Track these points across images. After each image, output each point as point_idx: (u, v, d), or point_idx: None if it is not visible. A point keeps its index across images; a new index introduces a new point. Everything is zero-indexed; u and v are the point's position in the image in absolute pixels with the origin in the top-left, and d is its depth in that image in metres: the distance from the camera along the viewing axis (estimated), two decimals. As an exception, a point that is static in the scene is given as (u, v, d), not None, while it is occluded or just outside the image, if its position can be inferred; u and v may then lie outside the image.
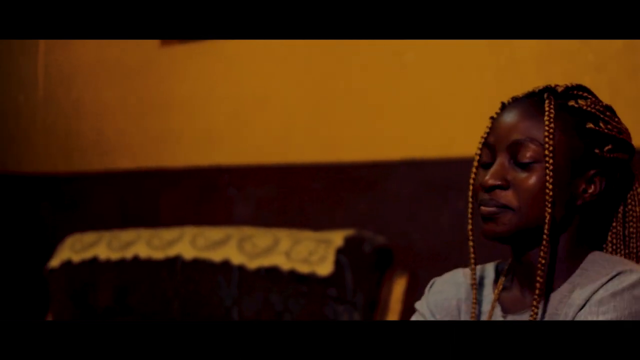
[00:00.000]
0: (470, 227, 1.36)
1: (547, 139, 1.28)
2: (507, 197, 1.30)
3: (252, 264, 2.87)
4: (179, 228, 3.16)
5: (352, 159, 3.02)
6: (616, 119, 1.36)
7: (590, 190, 1.32)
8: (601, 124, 1.33)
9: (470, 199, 1.35)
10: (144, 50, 3.59)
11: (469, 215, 1.36)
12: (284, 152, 3.22)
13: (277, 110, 3.25)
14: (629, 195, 1.39)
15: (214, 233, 3.02)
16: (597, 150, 1.31)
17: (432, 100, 2.86)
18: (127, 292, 3.11)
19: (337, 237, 2.79)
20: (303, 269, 2.77)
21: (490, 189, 1.31)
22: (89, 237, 3.31)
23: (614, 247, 1.40)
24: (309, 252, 2.79)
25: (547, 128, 1.28)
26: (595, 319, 1.23)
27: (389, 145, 2.94)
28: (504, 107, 1.37)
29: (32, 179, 3.97)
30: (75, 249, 3.29)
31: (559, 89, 1.35)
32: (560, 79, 2.64)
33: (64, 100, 3.92)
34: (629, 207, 1.39)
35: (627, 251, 1.39)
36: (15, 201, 3.99)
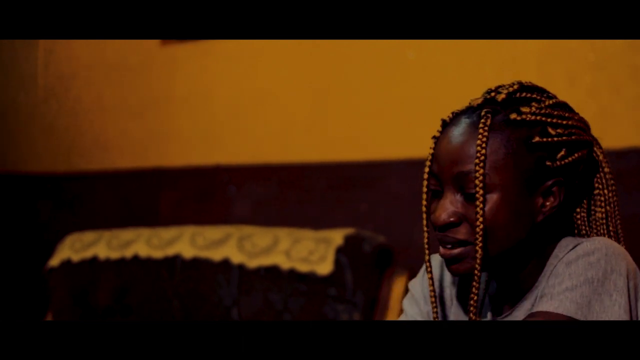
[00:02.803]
0: (425, 240, 1.33)
1: (477, 167, 1.21)
2: (463, 232, 1.25)
3: (252, 263, 2.86)
4: (178, 227, 3.16)
5: (352, 159, 3.02)
6: (567, 116, 1.29)
7: (549, 203, 1.26)
8: (549, 130, 1.25)
9: (425, 215, 1.31)
10: (144, 50, 3.59)
11: (425, 229, 1.32)
12: (284, 151, 3.22)
13: (276, 110, 3.25)
14: (595, 180, 1.35)
15: (214, 232, 3.02)
16: (548, 163, 1.25)
17: (432, 99, 2.86)
18: (126, 292, 3.11)
19: (337, 237, 2.79)
20: (303, 268, 2.77)
21: (443, 228, 1.26)
22: (88, 236, 3.30)
23: (583, 233, 1.36)
24: (308, 252, 2.79)
25: (478, 155, 1.21)
26: (552, 291, 1.20)
27: (389, 145, 2.94)
28: (444, 125, 1.31)
29: (32, 178, 3.97)
30: (74, 248, 3.29)
31: (500, 97, 1.27)
32: (561, 78, 2.66)
33: (63, 100, 3.92)
34: (597, 191, 1.35)
35: (596, 234, 1.35)
36: (14, 200, 3.99)
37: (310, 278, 2.75)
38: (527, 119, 1.24)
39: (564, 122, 1.27)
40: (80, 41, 3.75)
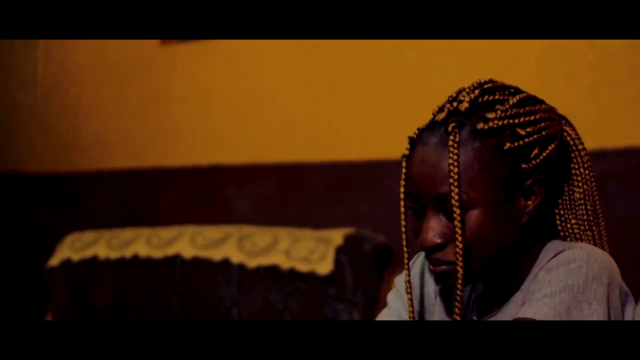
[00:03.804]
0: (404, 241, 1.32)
1: (452, 187, 1.18)
2: (450, 253, 1.22)
3: (252, 263, 2.86)
4: (178, 227, 3.16)
5: (352, 158, 3.02)
6: (533, 110, 1.25)
7: (531, 203, 1.24)
8: (519, 131, 1.22)
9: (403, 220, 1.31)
10: (143, 50, 3.59)
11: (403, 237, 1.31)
12: (284, 150, 3.22)
13: (276, 109, 3.25)
14: (570, 161, 1.32)
15: (214, 232, 3.02)
16: (524, 165, 1.22)
17: (432, 99, 2.86)
18: (126, 291, 3.11)
19: (337, 236, 2.79)
20: (303, 267, 2.77)
21: (431, 250, 1.24)
22: (88, 236, 3.30)
23: (563, 217, 1.32)
24: (308, 251, 2.79)
25: (452, 175, 1.18)
26: (531, 297, 1.18)
27: (389, 145, 2.94)
28: (412, 143, 1.29)
29: (32, 178, 3.97)
30: (74, 248, 3.29)
31: (463, 107, 1.23)
32: (561, 78, 2.66)
33: (63, 100, 3.92)
34: (574, 171, 1.32)
35: (575, 216, 1.32)
36: (14, 200, 3.99)
37: (310, 278, 2.75)
38: (495, 125, 1.21)
39: (532, 119, 1.24)
40: (80, 41, 3.75)
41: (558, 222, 1.32)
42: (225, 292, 2.89)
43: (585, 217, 1.31)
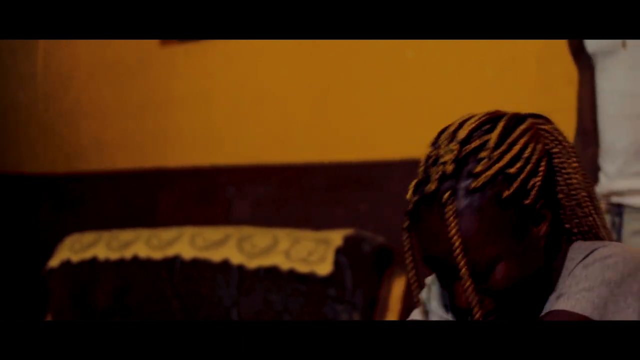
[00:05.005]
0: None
1: (458, 259, 1.17)
2: (488, 304, 1.23)
3: (252, 264, 2.86)
4: (178, 228, 3.16)
5: (352, 159, 3.02)
6: (516, 139, 1.23)
7: (544, 225, 1.24)
8: (510, 172, 1.20)
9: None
10: (143, 50, 3.59)
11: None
12: (283, 151, 3.22)
13: (276, 110, 3.25)
14: (556, 157, 1.29)
15: (213, 233, 3.02)
16: (526, 202, 1.21)
17: (432, 99, 2.86)
18: (126, 292, 3.11)
19: (337, 237, 2.79)
20: (302, 268, 2.76)
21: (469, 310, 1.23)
22: (88, 237, 3.30)
23: (567, 212, 1.31)
24: (308, 252, 2.79)
25: (456, 247, 1.17)
26: (569, 290, 1.20)
27: (389, 145, 2.94)
28: (412, 218, 1.27)
29: (31, 178, 3.97)
30: (74, 249, 3.29)
31: (449, 170, 1.20)
32: (561, 78, 2.65)
33: (63, 100, 3.92)
34: (563, 165, 1.29)
35: (579, 206, 1.31)
36: (14, 201, 3.98)
37: (309, 278, 2.74)
38: (486, 179, 1.19)
39: (518, 151, 1.22)
40: (79, 41, 3.75)
41: (564, 218, 1.32)
42: (225, 293, 2.89)
43: (585, 205, 1.31)
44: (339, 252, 2.74)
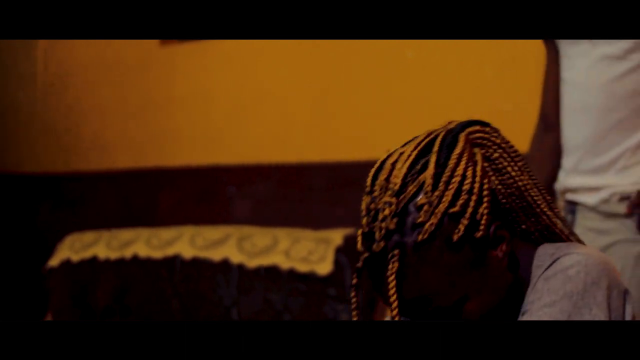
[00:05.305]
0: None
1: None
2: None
3: (252, 263, 2.86)
4: (178, 227, 3.16)
5: (352, 159, 3.02)
6: (452, 171, 1.16)
7: (504, 246, 1.19)
8: (454, 211, 1.15)
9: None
10: (143, 50, 3.59)
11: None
12: (284, 151, 3.22)
13: (276, 110, 3.25)
14: (497, 163, 1.22)
15: (213, 232, 3.02)
16: (478, 234, 1.16)
17: (432, 99, 2.86)
18: (126, 292, 3.11)
19: (337, 236, 2.79)
20: (302, 268, 2.76)
21: None
22: (88, 236, 3.30)
23: (519, 216, 1.26)
24: (308, 251, 2.79)
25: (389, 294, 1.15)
26: (531, 307, 1.17)
27: (388, 145, 2.93)
28: (361, 274, 1.24)
29: (31, 178, 3.97)
30: (74, 248, 3.29)
31: (392, 226, 1.14)
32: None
33: (63, 100, 3.92)
34: (506, 169, 1.22)
35: (530, 209, 1.26)
36: (14, 201, 3.99)
37: (309, 278, 2.75)
38: (432, 227, 1.14)
39: (456, 186, 1.16)
40: (79, 41, 3.75)
41: (519, 220, 1.27)
42: (225, 293, 2.89)
43: (535, 204, 1.26)
44: (339, 251, 2.74)
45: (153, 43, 3.55)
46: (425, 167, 1.17)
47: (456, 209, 1.15)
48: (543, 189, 1.27)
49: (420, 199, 1.15)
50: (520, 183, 1.23)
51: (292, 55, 3.18)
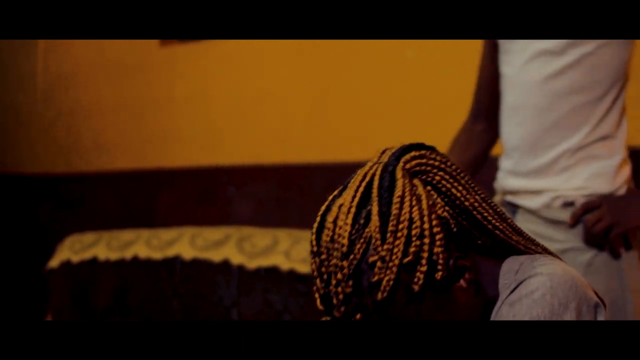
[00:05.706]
0: None
1: None
2: None
3: (252, 264, 2.86)
4: (178, 228, 3.16)
5: (352, 159, 3.02)
6: (400, 217, 1.08)
7: (467, 276, 1.14)
8: (409, 261, 1.08)
9: None
10: (143, 50, 3.59)
11: None
12: (284, 151, 3.22)
13: (276, 110, 3.25)
14: (442, 186, 1.16)
15: (213, 233, 3.02)
16: (438, 275, 1.10)
17: (432, 99, 2.86)
18: (126, 292, 3.11)
19: (337, 237, 2.79)
20: (302, 268, 2.76)
21: None
22: (88, 237, 3.30)
23: (477, 233, 1.20)
24: (308, 252, 2.79)
25: None
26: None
27: (388, 144, 2.94)
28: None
29: (32, 179, 3.97)
30: (74, 249, 3.29)
31: (348, 290, 1.08)
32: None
33: (63, 100, 3.92)
34: (452, 190, 1.16)
35: (486, 225, 1.20)
36: (14, 201, 3.99)
37: (310, 279, 2.74)
38: (391, 285, 1.07)
39: (406, 236, 1.09)
40: (79, 41, 3.75)
41: (474, 237, 1.21)
42: (225, 293, 2.89)
43: (487, 221, 1.20)
44: (339, 252, 2.74)
45: (153, 43, 3.55)
46: (368, 219, 1.09)
47: (410, 258, 1.08)
48: (491, 201, 1.21)
49: (371, 257, 1.08)
50: (467, 203, 1.17)
51: (292, 55, 3.18)
